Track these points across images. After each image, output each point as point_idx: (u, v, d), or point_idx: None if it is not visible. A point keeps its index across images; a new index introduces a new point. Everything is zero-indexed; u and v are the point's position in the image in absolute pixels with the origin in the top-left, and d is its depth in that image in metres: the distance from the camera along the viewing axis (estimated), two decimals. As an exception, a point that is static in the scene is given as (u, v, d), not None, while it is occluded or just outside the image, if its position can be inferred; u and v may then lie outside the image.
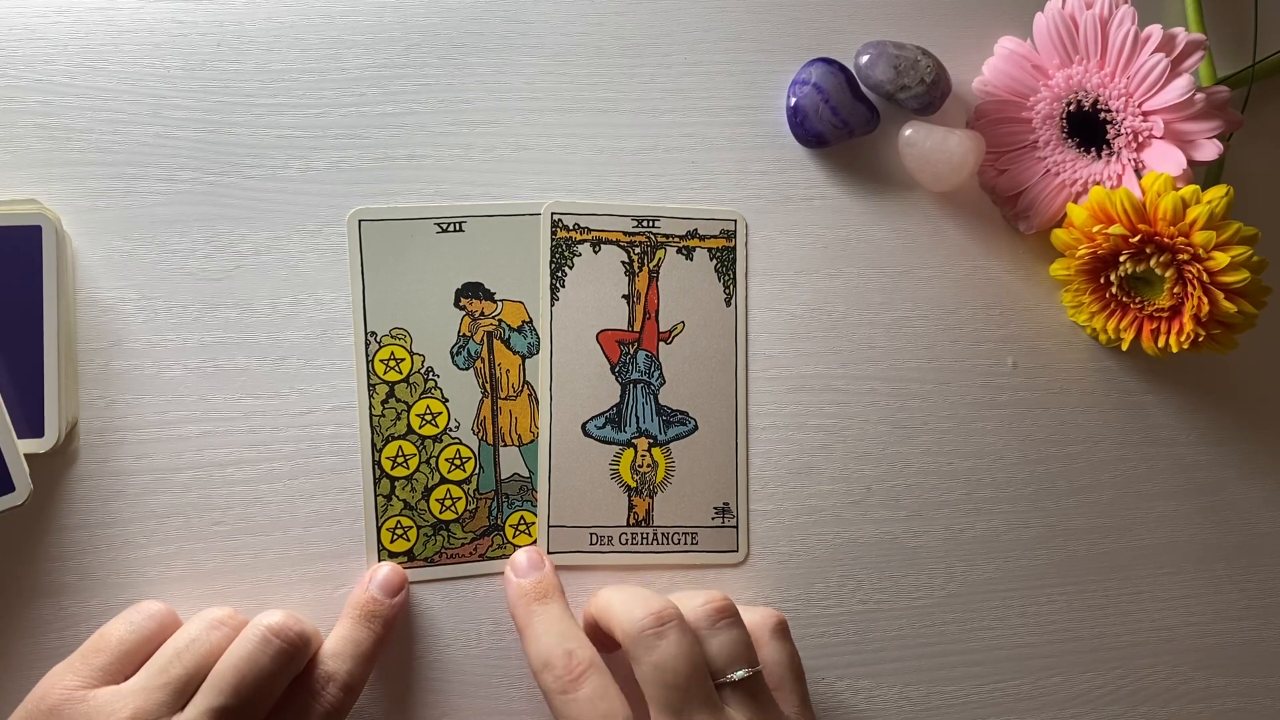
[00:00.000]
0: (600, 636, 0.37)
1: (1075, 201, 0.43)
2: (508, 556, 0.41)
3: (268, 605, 0.39)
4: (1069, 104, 0.42)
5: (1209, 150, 0.40)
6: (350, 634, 0.37)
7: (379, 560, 0.40)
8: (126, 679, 0.34)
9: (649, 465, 0.42)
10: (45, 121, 0.40)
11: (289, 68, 0.41)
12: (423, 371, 0.41)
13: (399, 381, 0.40)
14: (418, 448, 0.40)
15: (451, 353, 0.41)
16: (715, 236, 0.43)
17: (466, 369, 0.41)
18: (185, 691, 0.33)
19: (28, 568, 0.38)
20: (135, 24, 0.40)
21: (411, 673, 0.40)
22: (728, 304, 0.43)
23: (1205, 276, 0.38)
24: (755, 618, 0.38)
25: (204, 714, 0.33)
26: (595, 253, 0.42)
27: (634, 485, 0.42)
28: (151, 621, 0.36)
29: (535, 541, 0.41)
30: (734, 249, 0.43)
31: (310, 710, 0.35)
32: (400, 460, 0.40)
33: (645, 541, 0.41)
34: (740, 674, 0.35)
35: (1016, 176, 0.44)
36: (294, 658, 0.35)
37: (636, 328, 0.42)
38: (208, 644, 0.35)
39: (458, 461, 0.41)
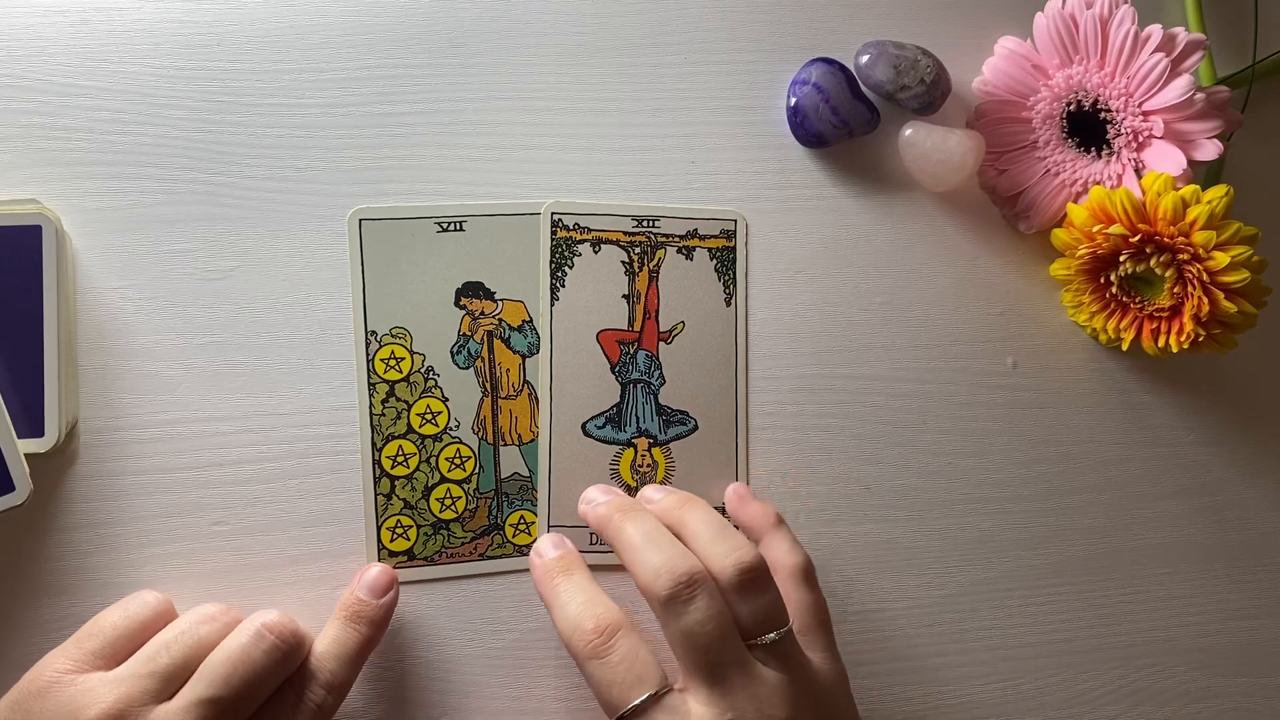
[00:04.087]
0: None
1: (1075, 201, 0.43)
2: (508, 556, 0.41)
3: (267, 605, 0.39)
4: (1069, 104, 0.42)
5: (1209, 150, 0.40)
6: (337, 635, 0.37)
7: (378, 559, 0.40)
8: (118, 665, 0.34)
9: (649, 465, 0.42)
10: (45, 121, 0.40)
11: (289, 68, 0.41)
12: (423, 371, 0.41)
13: (399, 381, 0.40)
14: (418, 447, 0.40)
15: (451, 352, 0.41)
16: (715, 236, 0.43)
17: (467, 368, 0.41)
18: (173, 681, 0.33)
19: (28, 568, 0.38)
20: (135, 24, 0.40)
21: (411, 673, 0.40)
22: (728, 304, 0.43)
23: (1205, 276, 0.38)
24: (781, 561, 0.38)
25: (193, 704, 0.32)
26: (595, 253, 0.42)
27: (634, 485, 0.42)
28: (146, 610, 0.36)
29: (536, 541, 0.41)
30: (734, 249, 0.43)
31: (295, 711, 0.35)
32: (400, 459, 0.40)
33: (645, 541, 0.41)
34: (772, 637, 0.34)
35: (1016, 176, 0.44)
36: (287, 655, 0.34)
37: (636, 328, 0.42)
38: (197, 637, 0.35)
39: (458, 461, 0.41)
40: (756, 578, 0.35)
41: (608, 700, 0.33)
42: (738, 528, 0.40)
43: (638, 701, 0.33)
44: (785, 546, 0.39)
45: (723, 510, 0.42)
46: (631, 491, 0.41)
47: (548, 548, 0.38)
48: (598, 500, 0.39)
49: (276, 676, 0.34)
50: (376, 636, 0.38)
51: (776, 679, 0.34)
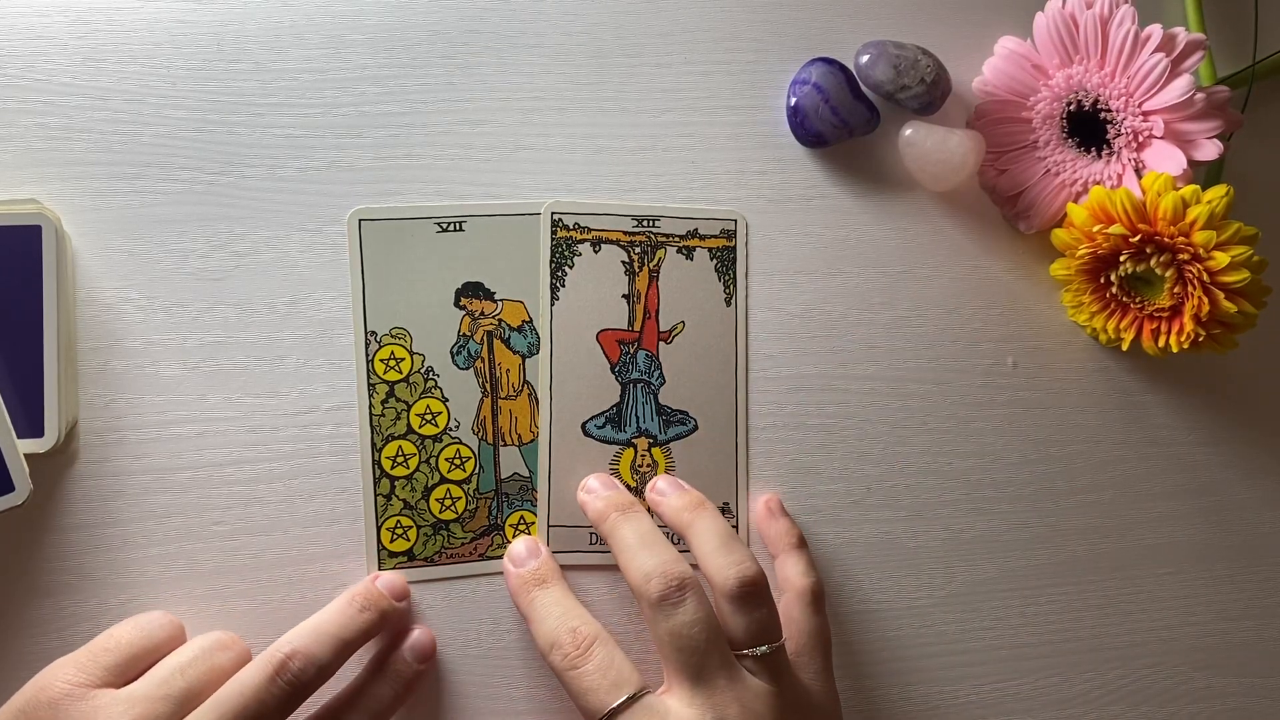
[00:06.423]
0: None
1: (1075, 201, 0.43)
2: (508, 556, 0.41)
3: (268, 605, 0.39)
4: (1069, 104, 0.42)
5: (1209, 150, 0.40)
6: (343, 620, 0.36)
7: (379, 559, 0.40)
8: (127, 683, 0.34)
9: (649, 465, 0.42)
10: (45, 121, 0.40)
11: (289, 68, 0.41)
12: (423, 371, 0.41)
13: (399, 381, 0.40)
14: (418, 447, 0.40)
15: (451, 352, 0.41)
16: (715, 236, 0.43)
17: (466, 369, 0.41)
18: (185, 706, 0.33)
19: (28, 568, 0.38)
20: (135, 24, 0.40)
21: (411, 673, 0.40)
22: (728, 304, 0.43)
23: (1205, 276, 0.38)
24: (793, 581, 0.39)
25: None
26: (595, 252, 0.42)
27: (634, 485, 0.42)
28: (162, 631, 0.36)
29: (510, 545, 0.41)
30: (734, 249, 0.43)
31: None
32: (400, 460, 0.40)
33: (645, 541, 0.41)
34: (763, 650, 0.35)
35: (1016, 176, 0.44)
36: (299, 692, 0.34)
37: (636, 327, 0.42)
38: (210, 663, 0.35)
39: (458, 461, 0.41)
40: (756, 591, 0.35)
41: (586, 707, 0.34)
42: (763, 536, 0.41)
43: (616, 704, 0.33)
44: (801, 568, 0.39)
45: (725, 509, 0.42)
46: (632, 492, 0.41)
47: (523, 556, 0.39)
48: (597, 492, 0.40)
49: (286, 713, 0.34)
50: (379, 629, 0.38)
51: (763, 687, 0.34)
